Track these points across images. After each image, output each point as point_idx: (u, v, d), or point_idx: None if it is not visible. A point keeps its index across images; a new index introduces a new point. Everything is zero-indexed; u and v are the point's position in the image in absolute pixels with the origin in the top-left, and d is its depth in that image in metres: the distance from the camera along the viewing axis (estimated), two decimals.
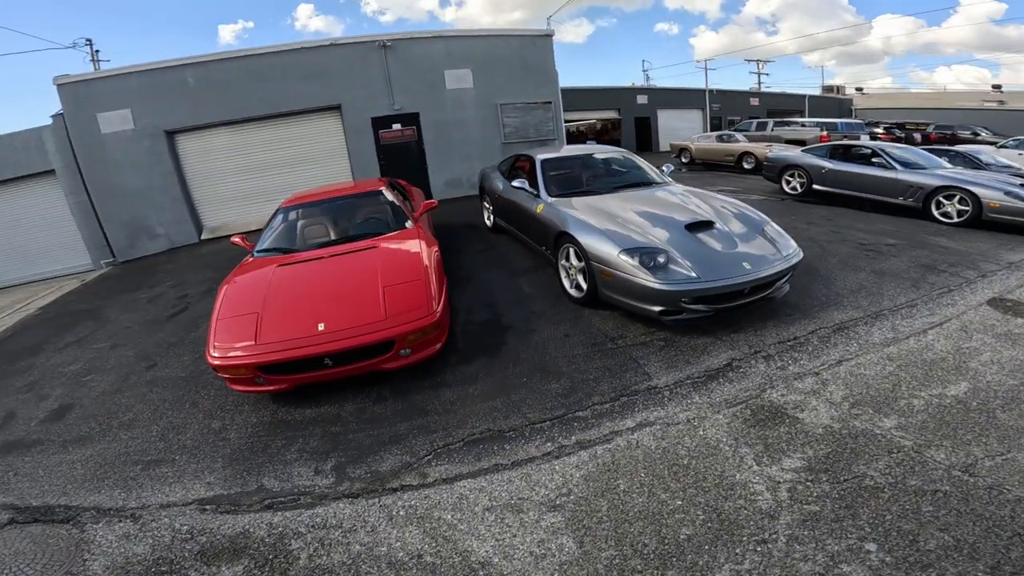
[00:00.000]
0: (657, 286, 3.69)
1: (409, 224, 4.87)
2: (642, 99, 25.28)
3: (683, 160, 16.75)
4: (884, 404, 2.89)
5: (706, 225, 4.27)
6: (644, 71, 47.55)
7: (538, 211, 5.27)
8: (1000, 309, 4.12)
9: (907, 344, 3.59)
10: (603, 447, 2.71)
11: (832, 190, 8.46)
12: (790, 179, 9.23)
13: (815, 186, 8.71)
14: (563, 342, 3.94)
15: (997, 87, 39.08)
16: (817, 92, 36.23)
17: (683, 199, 4.89)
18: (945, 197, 6.90)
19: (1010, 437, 2.55)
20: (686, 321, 3.86)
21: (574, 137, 24.54)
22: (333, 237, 4.82)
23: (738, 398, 3.04)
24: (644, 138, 25.08)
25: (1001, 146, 15.22)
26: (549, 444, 2.77)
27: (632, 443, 2.73)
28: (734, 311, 3.93)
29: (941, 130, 22.50)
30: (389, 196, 5.42)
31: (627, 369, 3.45)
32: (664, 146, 23.53)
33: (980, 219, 6.55)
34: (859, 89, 44.41)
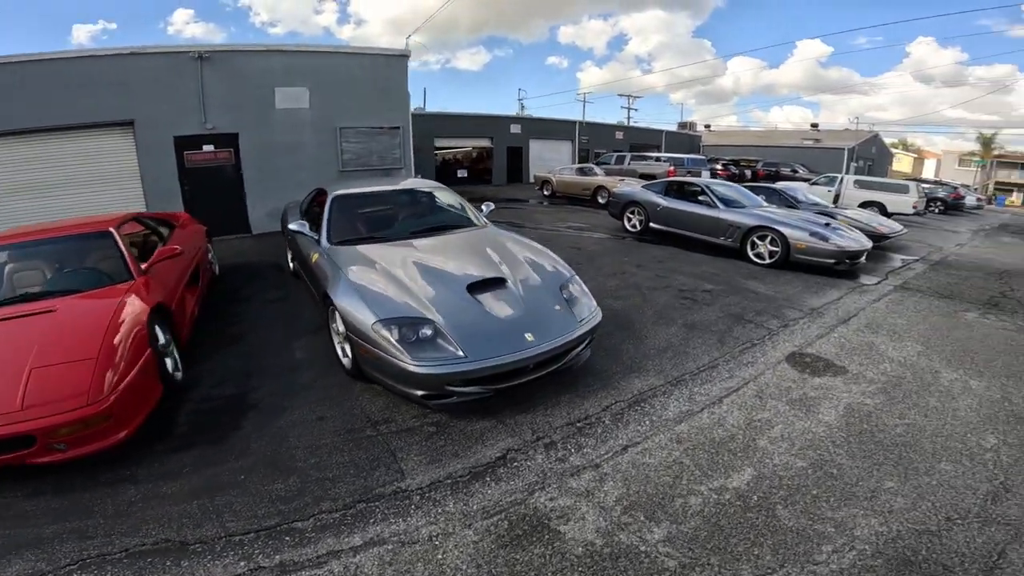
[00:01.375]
0: (413, 368, 2.86)
1: (128, 278, 3.65)
2: (515, 128, 25.31)
3: (545, 192, 16.75)
4: (659, 506, 2.39)
5: (494, 284, 3.54)
6: (519, 100, 48.89)
7: (314, 260, 4.26)
8: (798, 367, 3.86)
9: (700, 419, 3.11)
10: (310, 573, 2.01)
11: (666, 228, 8.47)
12: (631, 216, 9.19)
13: (652, 224, 8.71)
14: (313, 427, 3.04)
15: (815, 126, 45.90)
16: (674, 128, 39.66)
17: (484, 248, 4.15)
18: (759, 237, 7.07)
19: (786, 545, 2.12)
20: (458, 405, 3.07)
21: (448, 165, 23.96)
22: (12, 294, 3.62)
23: (499, 505, 2.40)
24: (516, 168, 25.18)
25: (813, 183, 17.17)
26: (242, 564, 2.08)
27: (348, 570, 2.03)
28: (525, 386, 3.23)
29: (768, 167, 25.38)
30: (116, 240, 4.07)
31: (379, 464, 2.70)
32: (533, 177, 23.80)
33: (788, 260, 6.75)
34: (707, 126, 49.52)
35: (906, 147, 55.68)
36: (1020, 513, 2.31)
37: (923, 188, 18.54)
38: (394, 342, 2.97)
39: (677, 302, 5.28)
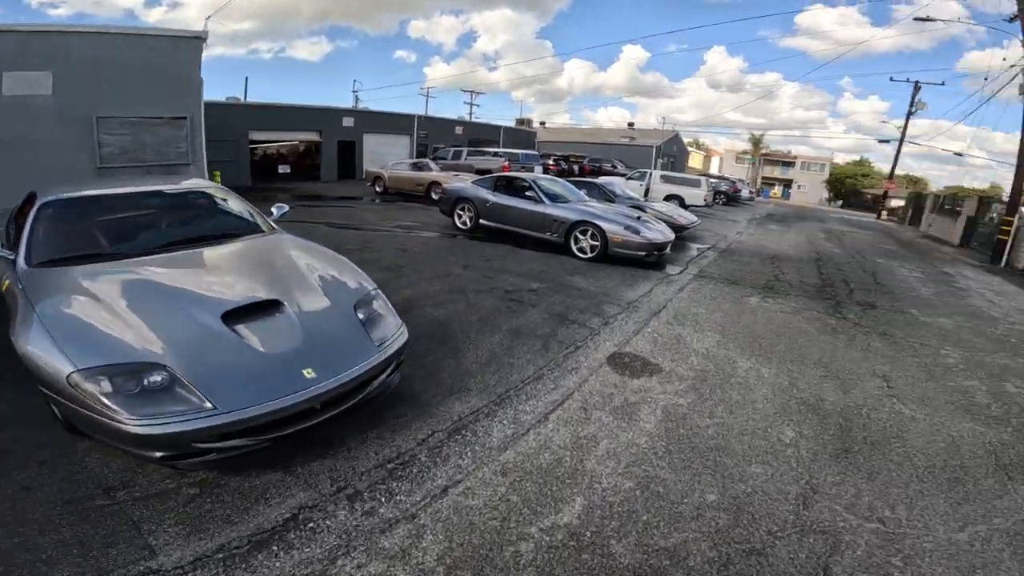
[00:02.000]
0: (134, 430, 2.06)
1: None
2: (348, 121, 23.56)
3: (377, 189, 15.76)
4: (487, 559, 1.99)
5: (263, 309, 2.80)
6: (355, 92, 45.85)
7: (4, 288, 3.04)
8: (619, 369, 3.79)
9: (526, 444, 2.78)
10: None
11: (496, 225, 8.34)
12: (461, 213, 8.88)
13: (482, 220, 8.52)
14: (16, 499, 2.11)
15: (631, 125, 51.44)
16: (512, 124, 40.91)
17: (261, 262, 3.32)
18: (581, 232, 7.27)
19: None
20: (223, 461, 2.33)
21: (269, 160, 21.33)
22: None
23: None
24: (348, 163, 23.49)
25: (629, 178, 18.94)
26: None
27: None
28: (319, 424, 2.57)
29: (593, 162, 27.47)
30: None
31: (117, 541, 1.97)
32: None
33: (607, 253, 7.06)
34: (542, 123, 52.54)
35: (698, 146, 65.48)
36: (831, 517, 2.34)
37: (711, 182, 21.74)
38: (102, 397, 2.11)
39: (503, 305, 5.03)
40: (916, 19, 14.62)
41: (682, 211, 11.34)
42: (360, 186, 18.03)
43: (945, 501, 2.52)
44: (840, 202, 49.65)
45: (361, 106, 33.45)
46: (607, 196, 10.69)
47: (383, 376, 2.90)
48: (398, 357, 3.02)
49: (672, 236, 7.72)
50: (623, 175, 20.53)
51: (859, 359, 4.42)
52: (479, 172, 15.66)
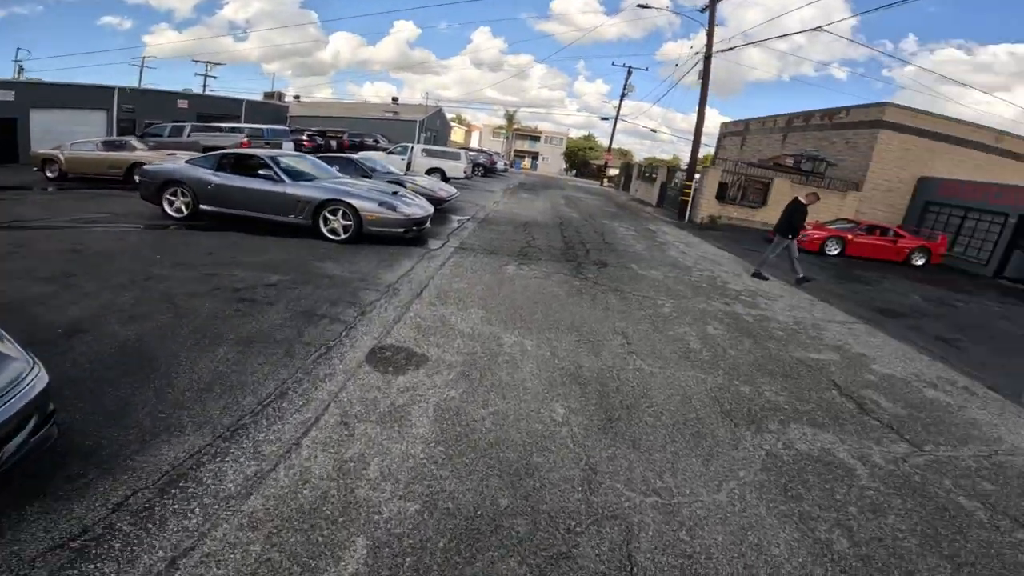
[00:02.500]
0: None
1: None
2: (5, 96, 17.24)
3: (49, 175, 11.74)
4: None
5: None
6: (17, 61, 32.88)
7: None
8: (381, 366, 3.30)
9: (276, 483, 2.13)
10: None
11: (223, 210, 6.85)
12: (173, 198, 7.03)
13: (203, 206, 6.93)
14: None
15: (395, 99, 50.16)
16: (260, 98, 35.56)
17: None
18: (331, 212, 6.48)
19: None
20: None
21: None
22: None
23: None
24: (8, 144, 17.24)
25: (390, 152, 18.33)
26: None
27: None
28: None
29: (354, 137, 25.88)
30: None
31: None
32: None
33: (362, 233, 6.48)
34: (296, 97, 47.38)
35: (460, 121, 68.13)
36: (616, 499, 2.29)
37: (471, 156, 22.68)
38: None
39: (230, 308, 4.03)
40: (639, 6, 17.10)
41: (443, 184, 11.35)
42: (25, 172, 13.22)
43: (698, 460, 2.70)
44: (574, 172, 57.85)
45: (23, 77, 25.30)
46: (363, 172, 9.97)
47: (18, 439, 1.89)
48: (38, 410, 2.02)
49: (432, 210, 7.53)
50: (385, 150, 19.83)
51: (601, 318, 4.84)
52: (207, 150, 12.98)
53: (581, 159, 58.56)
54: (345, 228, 6.43)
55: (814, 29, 12.64)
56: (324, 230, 6.45)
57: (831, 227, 12.65)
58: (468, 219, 9.88)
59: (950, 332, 6.43)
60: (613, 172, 40.11)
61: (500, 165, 30.56)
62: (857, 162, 16.17)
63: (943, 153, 15.77)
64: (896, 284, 9.62)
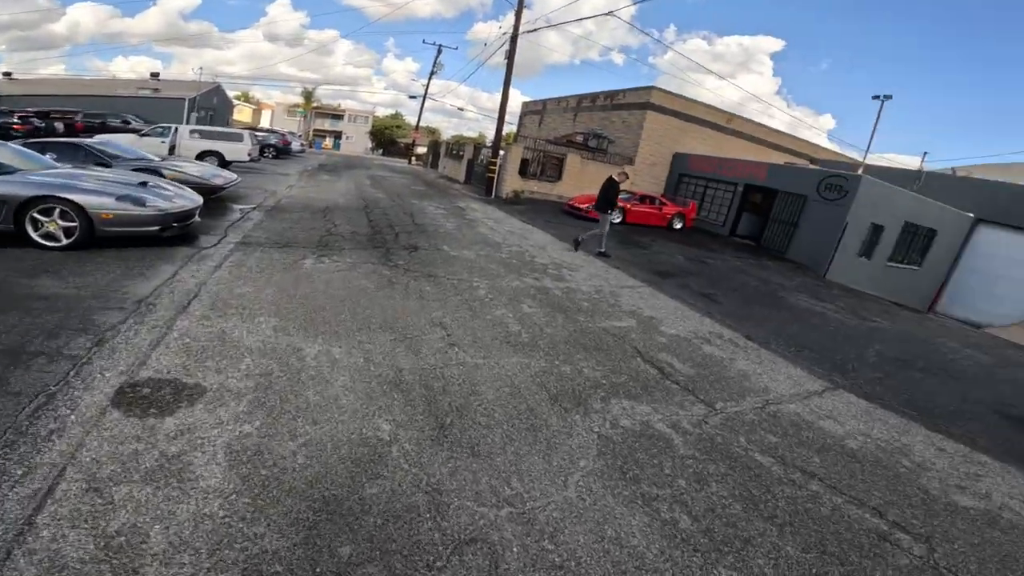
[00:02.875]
0: None
1: None
2: None
3: None
4: None
5: None
6: None
7: None
8: (136, 410, 2.51)
9: None
10: None
11: None
12: None
13: None
14: None
15: (155, 75, 41.31)
16: None
17: None
18: (42, 212, 4.89)
19: None
20: None
21: None
22: None
23: None
24: None
25: (144, 135, 15.00)
26: None
27: None
28: None
29: (91, 119, 20.62)
30: None
31: None
32: None
33: (96, 236, 5.03)
34: (7, 74, 37.27)
35: (248, 99, 59.71)
36: (471, 519, 2.07)
37: (257, 136, 19.90)
38: None
39: None
40: None
41: (219, 170, 9.63)
42: None
43: (539, 457, 2.61)
44: (381, 151, 55.77)
45: None
46: (99, 159, 7.88)
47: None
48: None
49: (200, 201, 6.24)
50: (137, 131, 16.18)
51: (417, 309, 4.54)
52: None
53: (388, 138, 56.61)
54: (68, 232, 4.91)
55: (606, 14, 13.90)
56: (35, 236, 4.83)
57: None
58: (253, 208, 8.56)
59: (708, 287, 7.76)
60: (421, 150, 39.64)
61: (296, 145, 27.62)
62: (631, 139, 18.60)
63: (690, 132, 19.08)
64: (664, 247, 11.36)
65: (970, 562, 2.40)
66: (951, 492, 3.02)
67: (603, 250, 8.58)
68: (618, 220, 13.46)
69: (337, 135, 56.97)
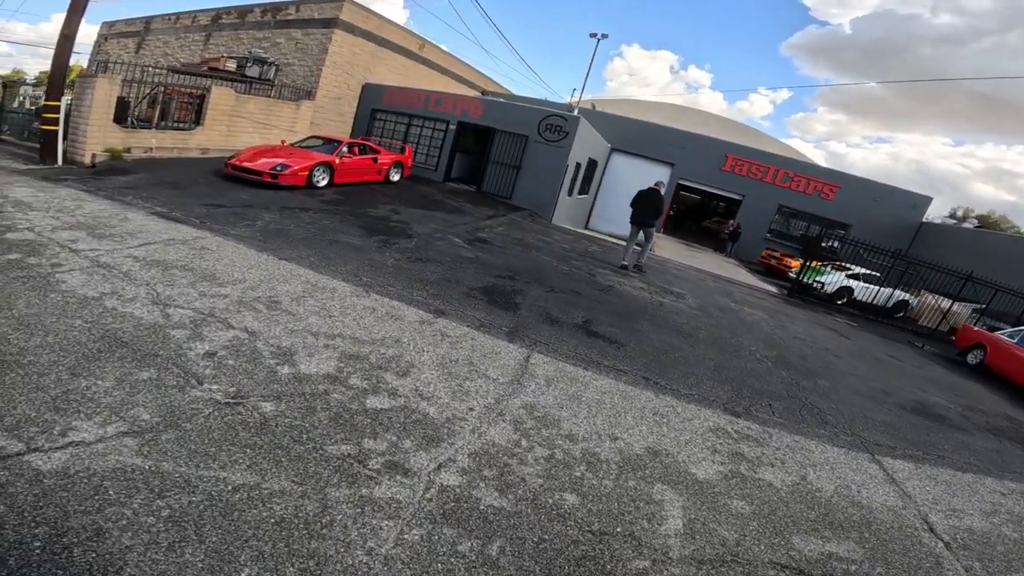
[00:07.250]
0: None
1: None
2: None
3: None
4: None
5: None
6: None
7: None
8: None
9: None
10: None
11: None
12: None
13: None
14: None
15: None
16: None
17: None
18: None
19: None
20: None
21: None
22: None
23: None
24: None
25: None
26: None
27: None
28: None
29: None
30: None
31: None
32: None
33: None
34: None
35: None
36: None
37: None
38: None
39: None
40: None
41: None
42: None
43: None
44: None
45: None
46: None
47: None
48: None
49: None
50: None
51: None
52: None
53: None
54: None
55: None
56: None
57: (313, 151, 9.93)
58: None
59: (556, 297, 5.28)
60: None
61: None
62: (308, 67, 13.86)
63: (382, 59, 15.55)
64: (409, 214, 8.34)
65: None
66: None
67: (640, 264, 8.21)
68: (324, 183, 9.51)
69: None
